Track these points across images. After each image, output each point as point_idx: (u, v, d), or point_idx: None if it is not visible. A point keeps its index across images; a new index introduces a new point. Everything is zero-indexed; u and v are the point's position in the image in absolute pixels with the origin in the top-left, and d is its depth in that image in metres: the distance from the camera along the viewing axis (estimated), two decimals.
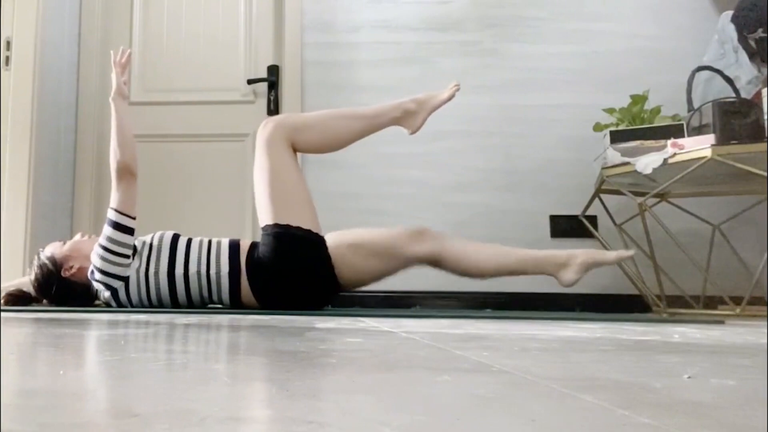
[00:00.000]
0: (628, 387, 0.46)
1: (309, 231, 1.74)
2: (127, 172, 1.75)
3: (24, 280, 2.03)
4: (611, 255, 1.71)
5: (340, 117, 1.84)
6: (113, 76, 1.84)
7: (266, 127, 1.80)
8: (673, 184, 1.92)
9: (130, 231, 1.73)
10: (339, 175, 2.52)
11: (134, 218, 1.75)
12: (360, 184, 2.52)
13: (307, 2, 2.63)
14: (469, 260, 1.73)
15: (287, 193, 1.75)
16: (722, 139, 1.77)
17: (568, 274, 1.68)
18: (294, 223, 1.72)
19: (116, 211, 1.73)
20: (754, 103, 1.82)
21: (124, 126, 1.78)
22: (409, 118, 1.84)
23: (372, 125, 1.84)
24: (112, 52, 1.91)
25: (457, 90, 1.86)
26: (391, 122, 1.85)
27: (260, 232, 1.78)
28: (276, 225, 1.73)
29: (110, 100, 1.82)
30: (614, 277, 2.35)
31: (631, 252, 1.72)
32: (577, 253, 1.71)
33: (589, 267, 1.69)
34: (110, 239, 1.71)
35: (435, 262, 1.75)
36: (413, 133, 1.87)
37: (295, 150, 1.82)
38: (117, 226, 1.72)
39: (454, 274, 1.78)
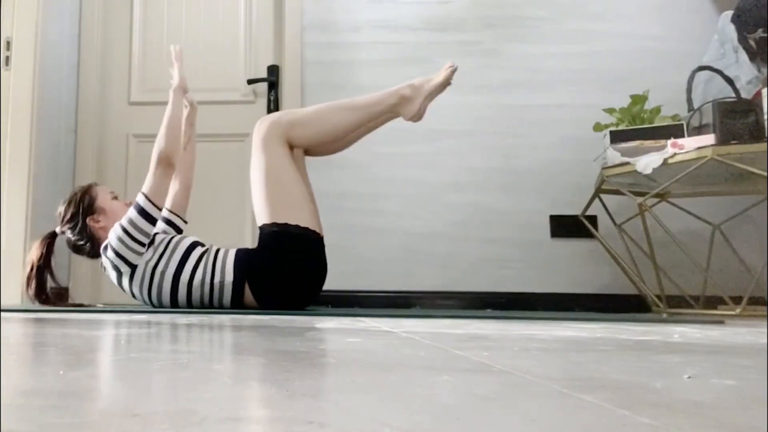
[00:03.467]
0: (628, 387, 0.46)
1: (306, 229, 1.73)
2: (166, 162, 1.76)
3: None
4: (439, 75, 1.82)
5: (336, 109, 1.83)
6: (174, 70, 1.90)
7: (262, 125, 1.80)
8: (673, 184, 1.92)
9: (152, 220, 1.73)
10: (339, 175, 2.52)
11: (160, 209, 1.76)
12: (360, 184, 2.52)
13: (307, 2, 2.63)
14: (322, 130, 1.82)
15: (284, 192, 1.75)
16: (722, 139, 1.77)
17: (412, 106, 1.81)
18: (292, 222, 1.72)
19: (146, 197, 1.73)
20: (754, 103, 1.82)
21: (175, 118, 1.82)
22: (406, 104, 1.82)
23: (369, 114, 1.83)
24: (172, 47, 1.95)
25: (453, 70, 1.82)
26: (389, 109, 1.83)
27: (258, 232, 1.79)
28: (273, 224, 1.73)
29: (171, 90, 1.87)
30: (614, 277, 2.35)
31: (451, 65, 1.82)
32: (412, 82, 1.83)
33: (426, 92, 1.79)
34: (132, 223, 1.71)
35: (291, 146, 1.82)
36: (411, 119, 1.83)
37: (293, 147, 1.82)
38: (142, 212, 1.72)
39: (316, 152, 1.90)
